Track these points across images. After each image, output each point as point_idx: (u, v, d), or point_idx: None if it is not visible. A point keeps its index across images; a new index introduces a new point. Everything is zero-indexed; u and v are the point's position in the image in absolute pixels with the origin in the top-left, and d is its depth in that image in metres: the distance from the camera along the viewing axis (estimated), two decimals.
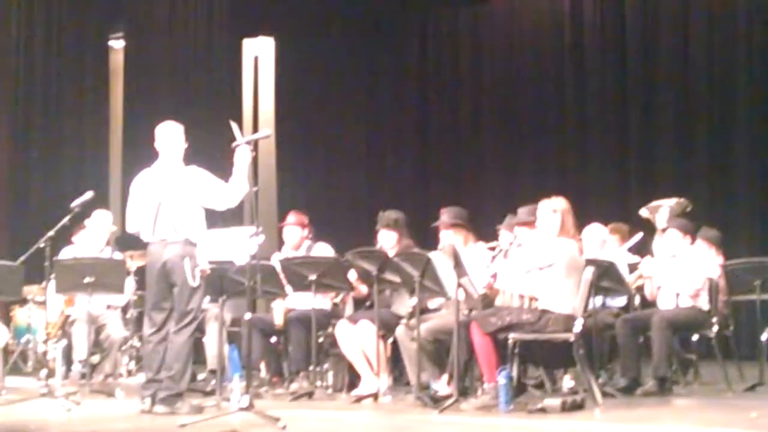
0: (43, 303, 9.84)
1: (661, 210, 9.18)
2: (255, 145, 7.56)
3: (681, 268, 8.54)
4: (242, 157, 7.43)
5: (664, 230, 8.92)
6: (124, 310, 10.15)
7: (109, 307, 9.60)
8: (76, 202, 8.50)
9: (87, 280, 8.60)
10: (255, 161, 7.73)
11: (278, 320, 9.15)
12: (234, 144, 7.43)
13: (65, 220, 8.49)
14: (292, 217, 9.47)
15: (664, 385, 8.25)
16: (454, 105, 13.82)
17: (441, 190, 12.66)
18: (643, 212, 9.31)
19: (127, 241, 9.70)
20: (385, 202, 9.43)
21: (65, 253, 9.54)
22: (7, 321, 10.46)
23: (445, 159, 13.67)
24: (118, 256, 9.74)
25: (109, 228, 9.74)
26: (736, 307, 9.00)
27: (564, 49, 13.33)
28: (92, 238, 9.75)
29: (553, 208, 7.64)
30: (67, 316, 9.45)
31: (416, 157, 13.90)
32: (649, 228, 9.35)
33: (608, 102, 13.03)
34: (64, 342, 9.47)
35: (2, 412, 7.77)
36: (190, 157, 7.81)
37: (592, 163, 12.90)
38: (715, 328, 8.55)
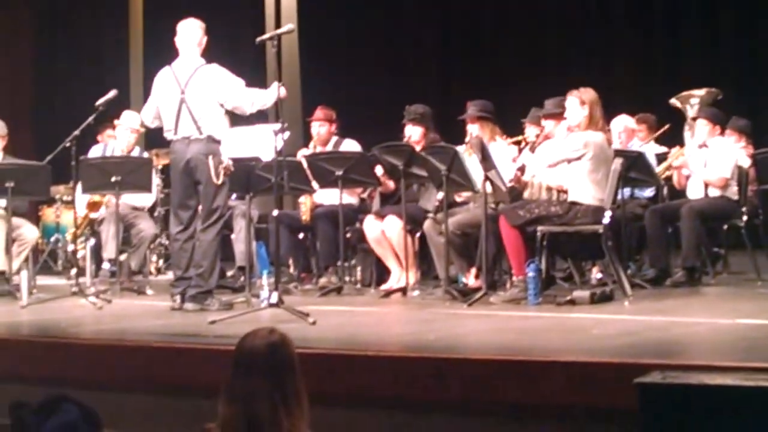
0: (70, 202, 9.87)
1: (692, 99, 9.06)
2: (278, 40, 7.48)
3: (710, 158, 8.47)
4: (277, 91, 7.37)
5: (694, 119, 8.82)
6: (151, 209, 10.18)
7: (135, 208, 9.62)
8: (100, 101, 8.46)
9: (114, 179, 8.61)
10: (278, 56, 7.66)
11: (305, 216, 9.16)
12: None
13: (90, 119, 8.46)
14: (319, 112, 9.40)
15: (693, 276, 8.24)
16: (477, 3, 13.61)
17: (464, 85, 12.52)
18: (674, 101, 9.19)
19: (152, 140, 9.68)
20: (409, 96, 9.31)
21: (93, 152, 9.55)
22: (36, 221, 10.51)
23: (467, 53, 13.50)
24: (146, 155, 9.75)
25: (138, 128, 9.71)
26: (765, 197, 8.93)
27: None
28: (121, 138, 9.73)
29: (582, 100, 7.54)
30: (93, 219, 9.47)
31: (440, 50, 13.74)
32: (676, 119, 9.24)
33: None
34: (92, 241, 9.52)
35: (34, 310, 7.85)
36: (210, 55, 7.74)
37: (618, 54, 12.72)
38: (745, 218, 8.50)
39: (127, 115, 9.72)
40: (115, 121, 9.70)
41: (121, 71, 13.45)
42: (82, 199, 9.24)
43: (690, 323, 6.32)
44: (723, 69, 11.83)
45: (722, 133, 8.72)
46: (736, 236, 8.72)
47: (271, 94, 7.53)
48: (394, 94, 11.69)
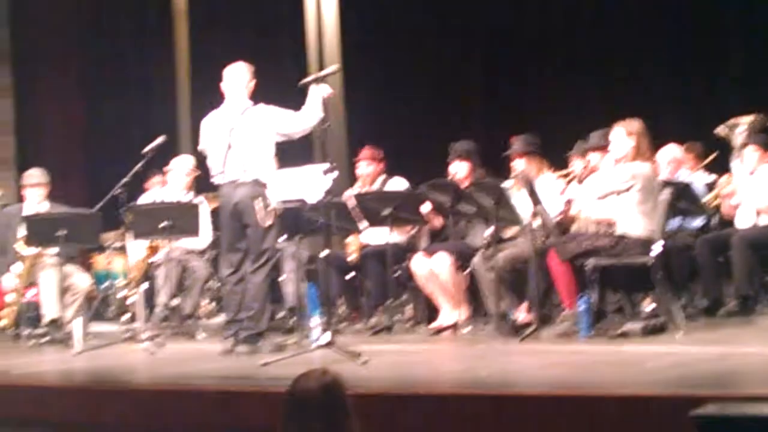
0: (121, 249, 9.94)
1: (739, 127, 9.00)
2: (322, 82, 7.54)
3: (760, 185, 8.40)
4: (319, 91, 7.38)
5: (742, 147, 8.75)
6: (202, 251, 10.23)
7: (189, 252, 9.67)
8: (148, 148, 8.54)
9: (162, 224, 8.67)
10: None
11: (353, 256, 9.17)
12: (301, 82, 7.41)
13: (138, 166, 8.54)
14: (366, 152, 9.44)
15: (747, 305, 8.16)
16: (519, 35, 13.60)
17: (510, 119, 12.50)
18: (721, 130, 9.13)
19: (201, 184, 9.75)
20: (455, 133, 9.33)
21: (143, 201, 9.62)
22: (87, 268, 10.59)
23: (511, 87, 13.49)
24: (199, 199, 9.82)
25: (191, 172, 9.78)
26: None
27: None
28: (173, 183, 9.80)
29: (629, 131, 7.52)
30: (151, 263, 9.53)
31: (483, 85, 13.74)
32: (723, 147, 9.17)
33: (674, 21, 12.76)
34: (145, 285, 9.58)
35: (88, 357, 7.90)
36: (255, 95, 7.81)
37: (662, 83, 12.67)
38: None
39: (179, 159, 9.78)
40: (165, 168, 9.76)
41: (169, 118, 13.57)
42: (135, 245, 9.29)
43: (744, 353, 6.26)
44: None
45: None
46: None
47: (314, 102, 7.49)
48: (439, 131, 11.70)
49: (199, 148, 7.93)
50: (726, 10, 12.41)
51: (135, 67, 13.67)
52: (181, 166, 9.76)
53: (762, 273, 8.61)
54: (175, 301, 9.52)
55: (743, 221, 8.55)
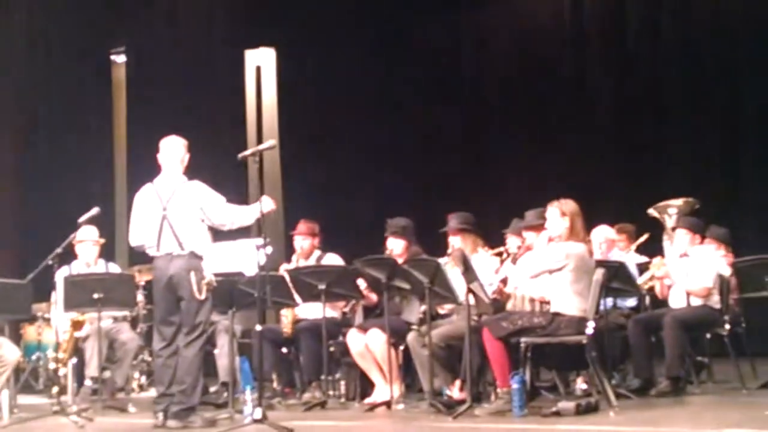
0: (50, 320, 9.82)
1: (670, 209, 9.16)
2: (260, 156, 7.58)
3: (691, 267, 8.52)
4: (264, 204, 7.46)
5: (673, 229, 8.90)
6: (134, 324, 10.14)
7: (116, 319, 9.58)
8: (83, 218, 8.48)
9: (96, 295, 8.58)
10: (260, 171, 7.75)
11: (287, 329, 9.14)
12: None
13: (72, 236, 8.45)
14: (302, 226, 9.45)
15: (678, 385, 8.23)
16: (456, 113, 13.75)
17: (445, 197, 12.61)
18: (652, 212, 9.29)
19: (135, 256, 9.68)
20: (390, 210, 9.38)
21: (61, 274, 9.48)
22: (17, 339, 10.43)
23: (446, 164, 13.61)
24: (114, 268, 9.75)
25: (97, 241, 9.71)
26: (747, 305, 8.97)
27: (565, 50, 13.32)
28: (85, 253, 9.70)
29: (563, 211, 7.62)
30: (77, 338, 9.40)
31: (420, 166, 13.84)
32: (655, 228, 9.33)
33: (614, 103, 13.00)
34: (74, 359, 9.45)
35: (15, 430, 7.75)
36: (192, 170, 7.81)
37: (596, 164, 12.85)
38: (728, 326, 8.52)
39: (84, 230, 9.60)
40: (74, 239, 9.57)
41: (105, 189, 13.52)
42: (62, 317, 9.18)
43: None
44: (704, 176, 11.97)
45: (702, 241, 8.79)
46: (719, 345, 8.73)
47: (253, 212, 7.60)
48: (375, 207, 11.77)
49: (132, 226, 7.88)
50: (663, 93, 12.70)
51: (72, 137, 13.60)
52: (90, 236, 9.65)
53: (693, 353, 8.70)
54: (106, 374, 9.39)
55: (676, 302, 8.66)
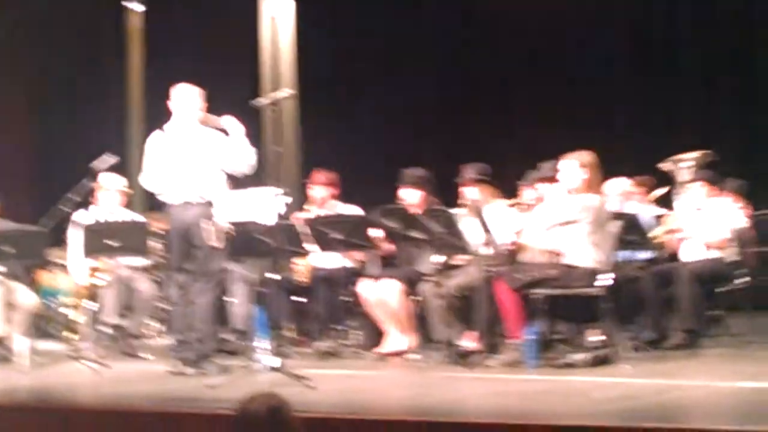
0: (66, 266, 9.85)
1: (685, 163, 9.11)
2: (276, 105, 7.56)
3: (707, 220, 8.49)
4: (232, 127, 7.46)
5: (688, 183, 8.85)
6: (149, 271, 10.17)
7: (133, 268, 9.61)
8: (94, 163, 8.49)
9: (113, 243, 8.60)
10: (278, 121, 7.74)
11: (303, 278, 9.16)
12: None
13: (85, 181, 8.47)
14: (321, 176, 9.44)
15: (692, 339, 8.22)
16: (474, 64, 13.68)
17: (463, 148, 12.57)
18: (665, 165, 9.24)
19: (151, 204, 9.69)
20: (409, 160, 9.35)
21: (79, 217, 9.52)
22: (32, 285, 10.48)
23: (465, 116, 13.57)
24: (138, 217, 9.76)
25: (121, 190, 9.72)
26: (764, 258, 8.94)
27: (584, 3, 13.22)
28: (106, 201, 9.71)
29: (581, 163, 7.59)
30: (95, 285, 9.44)
31: (439, 116, 13.80)
32: (669, 182, 9.28)
33: (630, 55, 12.90)
34: (92, 304, 9.49)
35: (33, 376, 7.82)
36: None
37: (615, 116, 12.78)
38: (743, 280, 8.50)
39: (104, 177, 9.62)
40: (95, 185, 9.60)
41: (120, 138, 13.51)
42: (78, 264, 9.21)
43: (689, 386, 6.32)
44: (718, 131, 11.88)
45: (719, 195, 8.75)
46: (735, 298, 8.71)
47: (237, 135, 7.58)
48: (393, 158, 11.74)
49: (144, 170, 7.88)
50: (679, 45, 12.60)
51: (87, 85, 13.59)
52: (111, 184, 9.66)
53: (707, 306, 8.68)
54: (122, 321, 9.44)
55: (690, 255, 8.63)
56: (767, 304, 8.96)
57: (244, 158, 7.67)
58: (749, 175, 9.66)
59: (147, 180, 7.87)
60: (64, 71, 13.60)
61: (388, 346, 8.53)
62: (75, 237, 8.83)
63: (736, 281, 8.49)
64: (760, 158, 11.69)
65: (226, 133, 7.68)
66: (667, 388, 6.21)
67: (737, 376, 6.47)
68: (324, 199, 9.36)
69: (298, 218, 8.96)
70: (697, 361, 7.72)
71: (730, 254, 8.48)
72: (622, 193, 9.05)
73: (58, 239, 9.52)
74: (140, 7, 14.26)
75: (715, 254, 8.49)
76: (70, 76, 13.61)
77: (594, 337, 8.16)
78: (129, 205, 9.98)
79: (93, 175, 8.58)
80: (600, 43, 13.02)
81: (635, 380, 6.57)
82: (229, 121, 7.62)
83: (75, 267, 9.17)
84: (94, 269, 9.30)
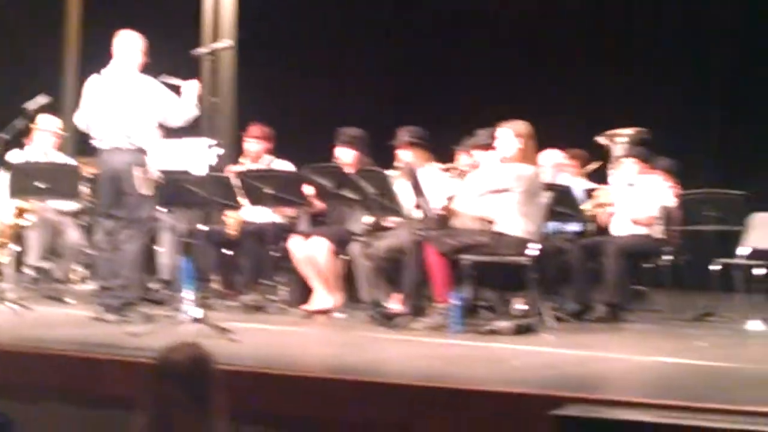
0: None
1: (619, 138, 9.19)
2: (215, 55, 7.49)
3: (637, 196, 8.58)
4: (189, 88, 7.39)
5: (621, 158, 8.94)
6: (77, 216, 10.07)
7: (61, 213, 9.51)
8: (28, 104, 8.37)
9: (41, 184, 8.50)
10: (216, 72, 7.68)
11: (233, 231, 9.11)
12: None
13: (17, 122, 8.35)
14: (256, 129, 9.38)
15: (615, 312, 8.31)
16: (418, 24, 13.64)
17: (400, 111, 12.55)
18: (600, 139, 9.31)
19: (82, 148, 9.58)
20: (347, 120, 9.32)
21: (12, 156, 9.39)
22: None
23: (408, 79, 13.54)
24: (70, 161, 9.65)
25: (58, 131, 9.60)
26: (689, 238, 9.06)
27: None
28: (40, 142, 9.60)
29: (517, 132, 7.61)
30: (20, 226, 9.33)
31: (380, 76, 13.76)
32: (607, 156, 9.35)
33: (572, 26, 12.93)
34: (15, 246, 9.38)
35: None
36: (146, 68, 7.72)
37: (552, 87, 12.81)
38: (668, 257, 8.60)
39: (43, 118, 9.54)
40: (32, 125, 9.51)
41: (56, 77, 13.31)
42: (5, 203, 9.09)
43: (609, 359, 6.39)
44: (651, 108, 11.96)
45: (649, 172, 8.84)
46: (658, 274, 8.83)
47: (189, 98, 7.50)
48: (330, 116, 11.68)
49: (79, 110, 7.79)
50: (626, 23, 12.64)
51: (25, 26, 13.36)
52: (48, 125, 9.56)
53: (632, 281, 8.79)
54: (46, 264, 9.34)
55: (618, 230, 8.72)
56: (689, 282, 9.12)
57: (183, 115, 7.59)
58: (680, 155, 9.73)
59: (80, 120, 7.77)
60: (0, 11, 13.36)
61: (314, 303, 8.53)
62: (3, 177, 8.71)
63: (660, 259, 8.60)
64: (691, 139, 11.80)
65: (178, 93, 7.58)
66: (587, 360, 6.28)
67: (656, 351, 6.56)
68: (258, 153, 9.31)
69: (232, 171, 8.92)
70: (619, 335, 7.81)
71: (657, 232, 8.58)
72: (555, 165, 9.10)
73: None
74: None
75: (642, 231, 8.58)
76: (6, 16, 13.35)
77: (519, 305, 8.24)
78: (61, 148, 9.86)
79: (26, 115, 8.44)
80: (541, 15, 13.03)
81: (557, 350, 6.63)
82: (190, 86, 7.52)
83: (1, 207, 9.04)
84: (21, 210, 9.20)
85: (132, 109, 7.49)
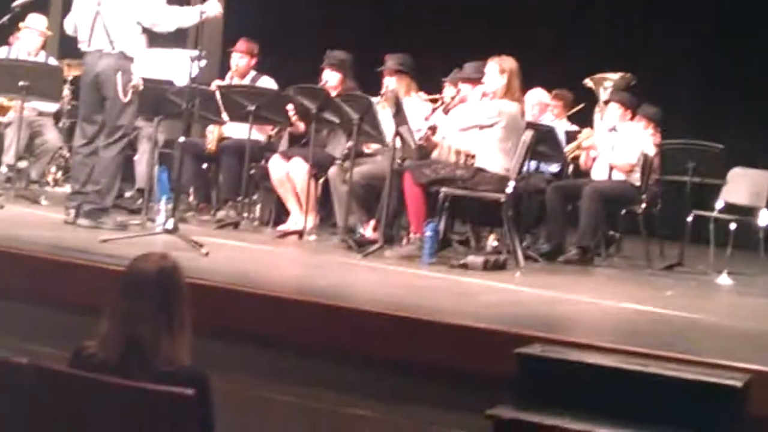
0: None
1: (606, 82, 9.17)
2: None
3: (618, 142, 8.58)
4: (211, 9, 7.30)
5: (606, 103, 8.93)
6: (57, 118, 10.01)
7: (41, 113, 9.45)
8: (17, 3, 8.28)
9: (22, 83, 8.44)
10: None
11: (211, 146, 9.08)
12: None
13: (4, 18, 8.26)
14: (242, 44, 9.29)
15: (586, 255, 8.35)
16: None
17: (389, 36, 12.47)
18: (588, 82, 9.29)
19: (66, 49, 9.51)
20: (333, 42, 9.24)
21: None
22: None
23: (396, 6, 13.44)
24: (53, 61, 9.56)
25: (44, 31, 9.52)
26: (666, 187, 9.09)
27: None
28: (26, 41, 9.52)
29: (502, 68, 7.57)
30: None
31: (372, 2, 13.65)
32: (592, 100, 9.33)
33: None
34: None
35: None
36: None
37: (542, 26, 12.75)
38: (644, 205, 8.63)
39: (33, 17, 9.46)
40: (21, 24, 9.44)
41: None
42: None
43: (577, 301, 6.43)
44: (639, 54, 11.92)
45: (632, 118, 8.84)
46: (632, 222, 8.86)
47: (194, 14, 7.41)
48: (318, 37, 11.59)
49: (70, 13, 7.69)
50: None
51: None
52: (36, 24, 9.47)
53: (606, 226, 8.82)
54: (22, 164, 9.30)
55: (598, 174, 8.74)
56: (663, 232, 9.17)
57: (174, 22, 7.48)
58: (664, 103, 9.73)
59: (69, 24, 7.67)
60: None
61: (288, 224, 8.53)
62: None
63: (636, 206, 8.62)
64: (674, 87, 11.77)
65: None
66: (554, 300, 6.32)
67: (624, 298, 6.59)
68: (244, 68, 9.22)
69: (217, 85, 8.86)
70: (588, 278, 7.86)
71: (634, 179, 8.60)
72: (539, 104, 9.08)
73: None
74: None
75: (621, 176, 8.60)
76: None
77: (492, 242, 8.27)
78: (44, 47, 9.77)
79: (14, 13, 8.35)
80: None
81: (525, 289, 6.66)
82: (211, 4, 7.42)
83: None
84: (1, 107, 9.14)
85: (118, 12, 7.38)
